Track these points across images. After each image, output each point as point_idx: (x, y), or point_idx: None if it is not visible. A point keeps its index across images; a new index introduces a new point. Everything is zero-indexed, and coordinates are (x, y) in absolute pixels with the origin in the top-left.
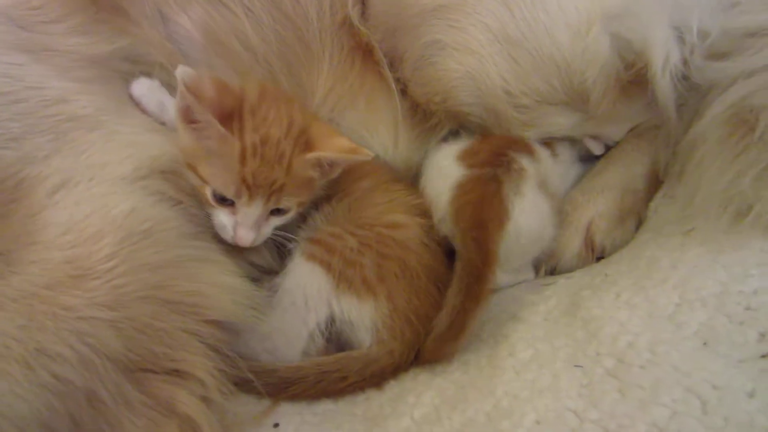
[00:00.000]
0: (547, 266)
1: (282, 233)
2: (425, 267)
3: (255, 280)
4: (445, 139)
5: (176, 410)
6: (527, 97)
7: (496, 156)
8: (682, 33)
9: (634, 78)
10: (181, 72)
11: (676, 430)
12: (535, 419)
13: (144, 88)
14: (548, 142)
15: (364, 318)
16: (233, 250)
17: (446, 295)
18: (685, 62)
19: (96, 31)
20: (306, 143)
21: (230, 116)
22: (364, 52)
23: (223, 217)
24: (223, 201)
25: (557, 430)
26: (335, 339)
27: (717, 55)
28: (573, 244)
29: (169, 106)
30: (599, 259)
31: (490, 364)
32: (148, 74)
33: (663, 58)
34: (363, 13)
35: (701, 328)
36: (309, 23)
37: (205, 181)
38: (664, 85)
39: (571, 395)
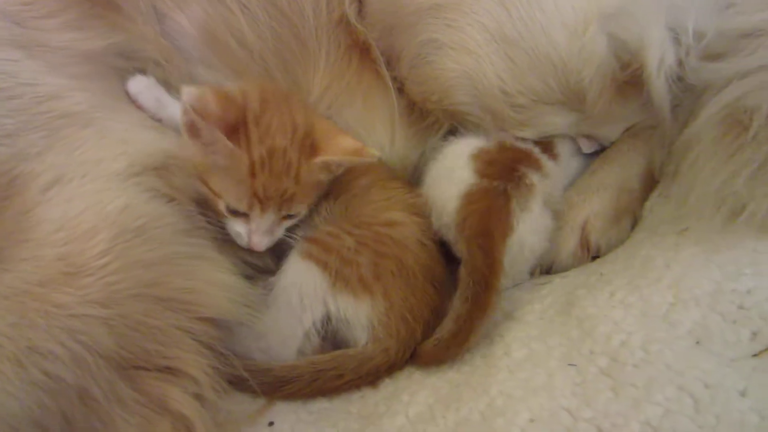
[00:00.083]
0: (543, 266)
1: (288, 234)
2: (422, 266)
3: (249, 278)
4: (453, 134)
5: (169, 408)
6: (524, 97)
7: (509, 170)
8: (677, 34)
9: (629, 78)
10: (186, 93)
11: (669, 429)
12: (529, 418)
13: (140, 85)
14: (548, 143)
15: (360, 316)
16: (228, 247)
17: (452, 302)
18: (680, 63)
19: (90, 26)
20: (311, 146)
21: (236, 129)
22: (361, 50)
23: (237, 227)
24: (236, 212)
25: (551, 429)
26: (331, 337)
27: (712, 56)
28: (569, 244)
29: (165, 102)
30: (595, 258)
31: (484, 363)
32: (143, 70)
33: (658, 59)
34: (360, 11)
35: (695, 327)
36: (305, 20)
37: (217, 195)
38: (659, 85)
39: (565, 394)
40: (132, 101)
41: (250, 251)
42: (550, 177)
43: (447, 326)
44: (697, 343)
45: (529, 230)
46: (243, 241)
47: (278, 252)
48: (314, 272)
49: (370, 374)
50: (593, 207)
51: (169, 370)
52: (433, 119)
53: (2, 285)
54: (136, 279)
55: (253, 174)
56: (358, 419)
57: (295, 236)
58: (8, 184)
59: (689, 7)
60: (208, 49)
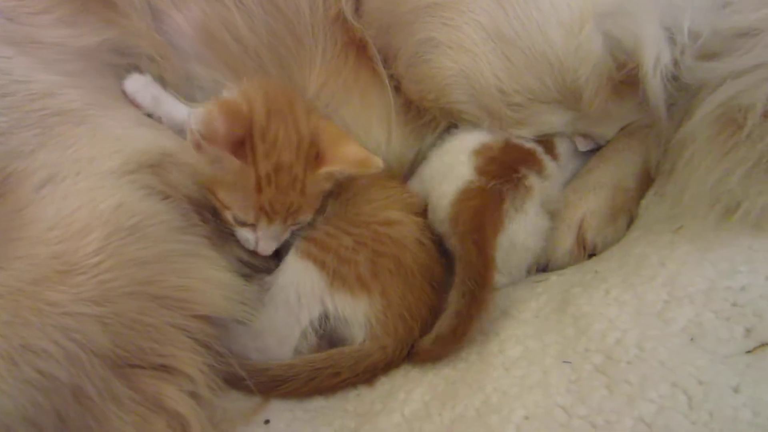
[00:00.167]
0: (539, 264)
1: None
2: (420, 265)
3: (245, 277)
4: (454, 128)
5: (164, 406)
6: (520, 96)
7: (509, 170)
8: (673, 33)
9: (625, 77)
10: (193, 116)
11: (662, 425)
12: (524, 415)
13: (137, 84)
14: (549, 142)
15: (357, 314)
16: (223, 245)
17: (449, 298)
18: (675, 62)
19: (83, 22)
20: (316, 156)
21: (242, 144)
22: (358, 47)
23: (245, 234)
24: (244, 223)
25: (546, 426)
26: (328, 336)
27: (708, 55)
28: (565, 242)
29: (163, 100)
30: (591, 256)
31: (480, 360)
32: (137, 67)
33: (654, 57)
34: (356, 9)
35: (689, 324)
36: (301, 17)
37: (225, 207)
38: (654, 84)
39: (560, 391)
40: (129, 100)
41: (246, 250)
42: (551, 179)
43: (446, 322)
44: (691, 340)
45: (521, 230)
46: (250, 245)
47: (276, 251)
48: (312, 271)
49: (367, 372)
50: (589, 205)
51: (164, 368)
52: (429, 117)
53: None
54: (131, 277)
55: (259, 189)
56: (355, 417)
57: (294, 235)
58: (1, 183)
59: (685, 7)
60: (203, 46)
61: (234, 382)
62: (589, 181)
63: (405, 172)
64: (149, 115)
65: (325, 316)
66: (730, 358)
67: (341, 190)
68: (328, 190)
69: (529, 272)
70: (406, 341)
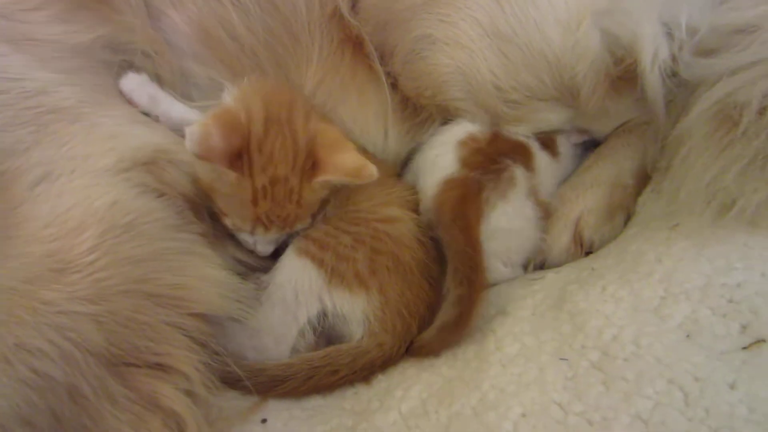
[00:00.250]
0: (536, 261)
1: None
2: (418, 262)
3: (241, 275)
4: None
5: (160, 404)
6: (517, 93)
7: (491, 162)
8: (671, 29)
9: (623, 74)
10: (189, 136)
11: (658, 422)
12: (521, 412)
13: (133, 83)
14: (550, 138)
15: (356, 311)
16: (219, 243)
17: (446, 288)
18: (673, 58)
19: (78, 19)
20: (314, 164)
21: (239, 155)
22: (354, 44)
23: (244, 236)
24: (241, 229)
25: (542, 423)
26: (326, 334)
27: (705, 51)
28: (562, 240)
29: (159, 99)
30: (588, 253)
31: (477, 358)
32: (132, 63)
33: (652, 53)
34: (353, 6)
35: (685, 320)
36: (298, 14)
37: (223, 213)
38: (653, 80)
39: (557, 388)
40: (126, 99)
41: (242, 248)
42: (540, 172)
43: (449, 310)
44: (688, 336)
45: (503, 216)
46: (249, 246)
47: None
48: (310, 269)
49: (365, 369)
50: (587, 203)
51: (160, 367)
52: (426, 115)
53: None
54: (125, 275)
55: (255, 201)
56: (352, 415)
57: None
58: None
59: (682, 3)
60: (199, 43)
61: (231, 382)
62: (586, 179)
63: (401, 167)
64: (146, 114)
65: (323, 314)
66: (726, 355)
67: (340, 188)
68: (326, 195)
69: (526, 269)
70: (404, 338)
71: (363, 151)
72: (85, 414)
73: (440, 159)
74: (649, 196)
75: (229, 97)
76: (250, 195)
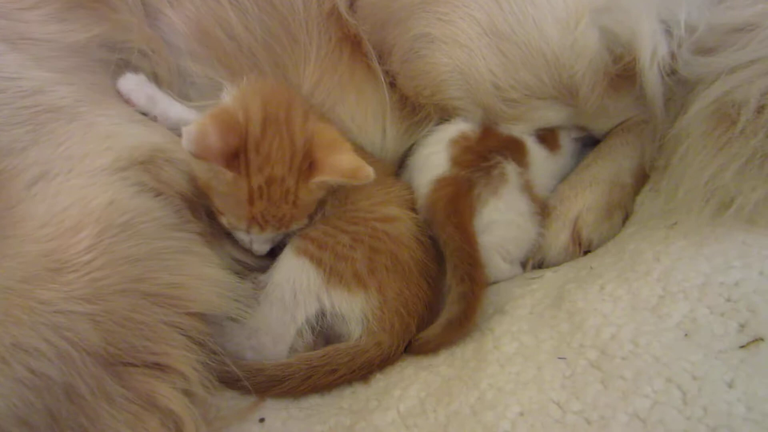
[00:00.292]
0: (535, 260)
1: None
2: (417, 261)
3: (239, 275)
4: (438, 123)
5: (157, 404)
6: (516, 91)
7: (482, 159)
8: (669, 27)
9: (622, 72)
10: (185, 136)
11: (656, 420)
12: (518, 411)
13: (131, 83)
14: (551, 133)
15: (354, 310)
16: (216, 242)
17: (447, 285)
18: (672, 56)
19: (74, 18)
20: (310, 165)
21: (236, 155)
22: (353, 43)
23: (240, 235)
24: (237, 228)
25: (540, 422)
26: (324, 333)
27: (703, 50)
28: (560, 238)
29: (157, 99)
30: (586, 252)
31: (475, 357)
32: (129, 62)
33: (651, 50)
34: (351, 4)
35: (683, 319)
36: (295, 13)
37: (219, 212)
38: (652, 77)
39: (555, 387)
40: (124, 99)
41: (239, 248)
42: (534, 167)
43: (453, 308)
44: (686, 335)
45: (494, 211)
46: (246, 245)
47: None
48: (308, 268)
49: (363, 368)
50: (586, 201)
51: (158, 366)
52: (424, 114)
53: None
54: (123, 274)
55: (251, 201)
56: (350, 414)
57: (291, 234)
58: None
59: (681, 1)
60: (196, 43)
61: (229, 382)
62: (585, 177)
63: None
64: (144, 114)
65: (321, 314)
66: (724, 353)
67: (338, 187)
68: (323, 195)
69: (524, 267)
70: (403, 337)
71: (361, 150)
72: (82, 413)
73: (432, 158)
74: (647, 195)
75: (228, 97)
76: (246, 194)
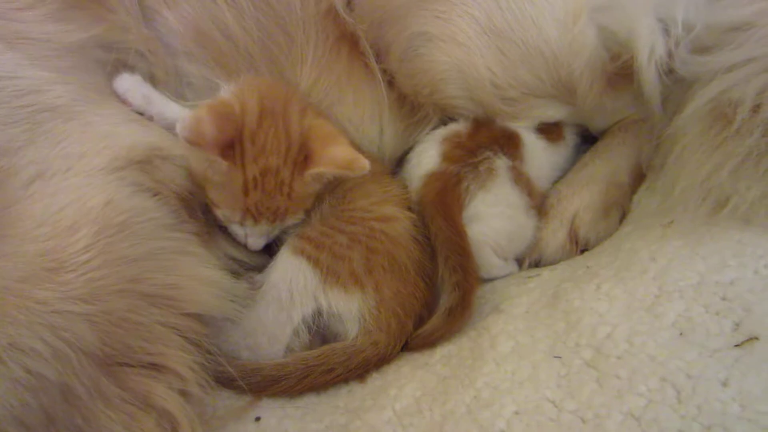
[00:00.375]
0: (531, 259)
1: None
2: (414, 261)
3: (235, 274)
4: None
5: (153, 404)
6: (514, 90)
7: (471, 154)
8: (667, 25)
9: (620, 70)
10: (180, 125)
11: (651, 419)
12: (514, 410)
13: (128, 83)
14: (557, 128)
15: (351, 310)
16: (213, 242)
17: (440, 277)
18: (670, 55)
19: (71, 18)
20: (306, 157)
21: (231, 145)
22: (350, 42)
23: (235, 228)
24: (232, 221)
25: (535, 421)
26: (321, 332)
27: (700, 49)
28: (557, 237)
29: (153, 99)
30: (583, 251)
31: (471, 356)
32: (126, 62)
33: (648, 49)
34: (348, 3)
35: (678, 318)
36: (292, 12)
37: (214, 205)
38: (649, 76)
39: (550, 386)
40: (121, 100)
41: (236, 246)
42: (530, 159)
43: (451, 297)
44: (681, 334)
45: (481, 204)
46: (241, 240)
47: (268, 248)
48: (305, 268)
49: (360, 367)
50: (583, 200)
51: (154, 367)
52: (423, 114)
53: None
54: (119, 275)
55: (246, 192)
56: (345, 413)
57: (288, 232)
58: None
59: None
60: (192, 42)
61: (225, 382)
62: (582, 176)
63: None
64: (140, 114)
65: (318, 313)
66: (719, 352)
67: (337, 185)
68: (319, 190)
69: (520, 265)
70: (399, 337)
71: (359, 148)
72: (79, 414)
73: (424, 154)
74: (643, 194)
75: (226, 93)
76: (241, 185)
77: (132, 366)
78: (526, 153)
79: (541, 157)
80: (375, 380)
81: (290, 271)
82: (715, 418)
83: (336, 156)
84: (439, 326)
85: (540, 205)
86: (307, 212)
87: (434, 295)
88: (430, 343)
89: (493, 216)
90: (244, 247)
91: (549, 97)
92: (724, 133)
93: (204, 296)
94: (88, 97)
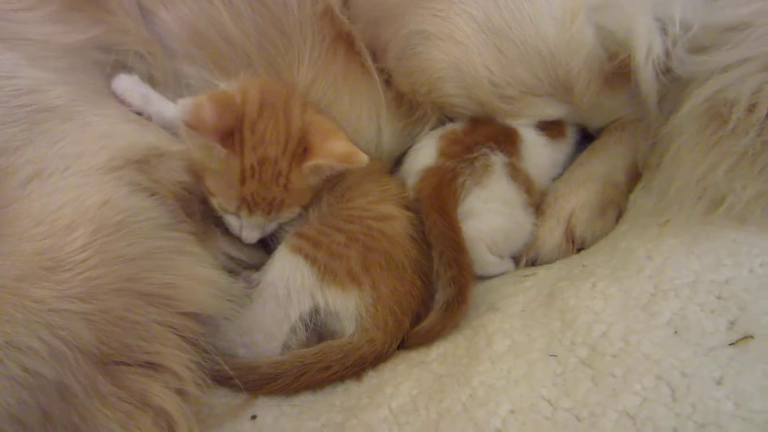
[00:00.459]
0: (528, 257)
1: (280, 227)
2: (411, 259)
3: (233, 273)
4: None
5: (150, 403)
6: (512, 88)
7: (466, 150)
8: (665, 25)
9: (617, 69)
10: (180, 107)
11: (646, 417)
12: (509, 408)
13: (125, 83)
14: (559, 125)
15: (348, 307)
16: (210, 241)
17: (436, 272)
18: (667, 54)
19: (70, 20)
20: (304, 150)
21: (231, 134)
22: (347, 43)
23: (230, 219)
24: (227, 210)
25: (531, 419)
26: (318, 330)
27: (697, 48)
28: (554, 236)
29: (152, 99)
30: (579, 250)
31: (467, 354)
32: (125, 64)
33: (646, 48)
34: (345, 2)
35: (674, 317)
36: (289, 13)
37: (211, 193)
38: (646, 75)
39: (546, 384)
40: (119, 100)
41: (233, 245)
42: (529, 156)
43: (447, 291)
44: (676, 333)
45: (476, 200)
46: (235, 231)
47: (266, 246)
48: (302, 266)
49: (356, 365)
50: (579, 199)
51: (151, 365)
52: (421, 113)
53: None
54: (117, 274)
55: (242, 181)
56: (341, 412)
57: (286, 230)
58: None
59: None
60: (191, 44)
61: (222, 380)
62: (579, 175)
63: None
64: (138, 114)
65: (315, 311)
66: (714, 351)
67: (336, 183)
68: (317, 185)
69: (517, 264)
70: (396, 335)
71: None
72: (75, 412)
73: (422, 152)
74: (640, 193)
75: (227, 87)
76: (239, 173)
77: (129, 365)
78: (525, 150)
79: (541, 155)
80: (371, 378)
81: (288, 269)
82: (710, 417)
83: (334, 149)
84: (436, 322)
85: (539, 202)
86: (305, 209)
87: (431, 293)
88: (427, 339)
89: (489, 212)
90: (239, 240)
91: (547, 96)
92: (720, 133)
93: (201, 295)
94: (86, 98)
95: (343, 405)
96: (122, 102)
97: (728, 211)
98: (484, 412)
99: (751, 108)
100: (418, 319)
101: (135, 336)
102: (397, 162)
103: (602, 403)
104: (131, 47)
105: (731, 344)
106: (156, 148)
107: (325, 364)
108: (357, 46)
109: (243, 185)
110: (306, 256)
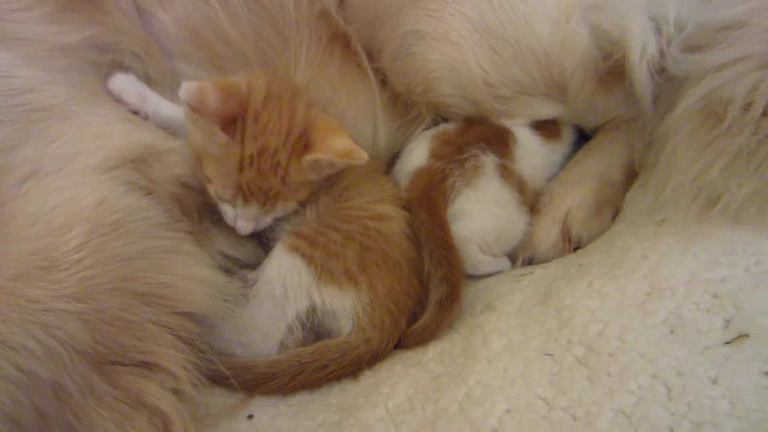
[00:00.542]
0: (524, 256)
1: (277, 224)
2: (408, 259)
3: (229, 272)
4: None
5: (146, 403)
6: (507, 88)
7: (457, 151)
8: (659, 24)
9: (612, 69)
10: (184, 89)
11: (641, 416)
12: (506, 408)
13: (122, 83)
14: (554, 125)
15: (345, 306)
16: (207, 241)
17: (427, 271)
18: (662, 53)
19: (66, 19)
20: (305, 145)
21: (233, 121)
22: (343, 43)
23: (225, 208)
24: (223, 198)
25: (527, 418)
26: (315, 329)
27: (692, 47)
28: (550, 235)
29: (149, 98)
30: (576, 249)
31: (463, 353)
32: (121, 63)
33: (640, 47)
34: (340, 3)
35: (669, 316)
36: (286, 14)
37: (208, 180)
38: (641, 74)
39: (542, 383)
40: (116, 99)
41: (231, 244)
42: (523, 157)
43: (439, 290)
44: (672, 331)
45: (467, 201)
46: (230, 220)
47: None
48: (299, 265)
49: (353, 364)
50: (575, 198)
51: (146, 365)
52: (416, 112)
53: None
54: (112, 273)
55: (241, 169)
56: (338, 411)
57: (283, 228)
58: None
59: None
60: (188, 44)
61: (219, 380)
62: (575, 174)
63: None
64: (135, 113)
65: (312, 310)
66: (710, 350)
67: (333, 183)
68: (315, 183)
69: (513, 263)
70: (393, 334)
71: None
72: (71, 412)
73: (414, 152)
74: (636, 192)
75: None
76: (238, 161)
77: (124, 364)
78: (519, 150)
79: (536, 155)
80: (368, 378)
81: (285, 268)
82: (705, 416)
83: (335, 145)
84: (430, 321)
85: (534, 201)
86: (303, 208)
87: (428, 292)
88: (423, 339)
89: (480, 213)
90: (236, 239)
91: (541, 96)
92: (715, 132)
93: (197, 295)
94: (83, 97)
95: (340, 404)
96: (119, 101)
97: (724, 209)
98: (480, 412)
99: (747, 107)
100: (415, 318)
101: (130, 336)
102: (391, 161)
103: (598, 402)
104: (128, 47)
105: (727, 343)
106: (152, 147)
107: (321, 363)
108: (353, 46)
109: (241, 173)
110: (303, 255)
